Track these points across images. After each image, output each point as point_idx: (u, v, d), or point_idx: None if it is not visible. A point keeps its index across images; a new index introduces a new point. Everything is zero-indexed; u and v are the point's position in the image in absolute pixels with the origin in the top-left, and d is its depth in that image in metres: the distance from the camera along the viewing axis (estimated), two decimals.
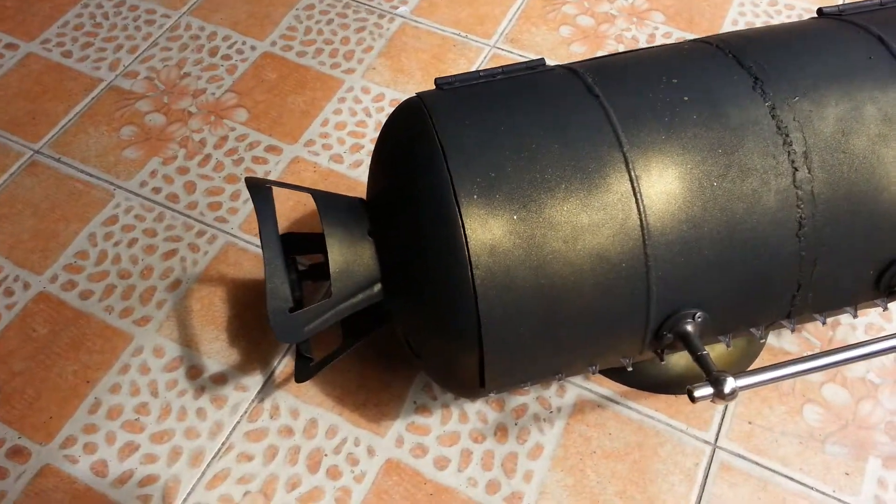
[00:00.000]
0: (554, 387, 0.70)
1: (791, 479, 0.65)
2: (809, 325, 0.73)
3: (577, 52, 0.95)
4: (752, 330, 0.59)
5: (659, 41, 0.96)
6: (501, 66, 0.58)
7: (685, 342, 0.53)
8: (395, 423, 0.68)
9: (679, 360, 0.72)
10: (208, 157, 0.86)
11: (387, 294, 0.55)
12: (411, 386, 0.70)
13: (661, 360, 0.57)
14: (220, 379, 0.71)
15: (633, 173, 0.51)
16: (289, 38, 0.97)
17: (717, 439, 0.67)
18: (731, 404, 0.68)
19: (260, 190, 0.52)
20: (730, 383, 0.50)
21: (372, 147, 0.87)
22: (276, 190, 0.83)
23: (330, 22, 0.98)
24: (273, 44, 0.96)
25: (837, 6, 0.62)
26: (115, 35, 0.98)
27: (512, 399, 0.69)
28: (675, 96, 0.55)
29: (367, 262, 0.53)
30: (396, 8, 1.00)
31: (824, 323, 0.61)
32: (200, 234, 0.80)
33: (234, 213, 0.82)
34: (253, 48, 0.96)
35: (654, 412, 0.68)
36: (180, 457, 0.67)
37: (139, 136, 0.88)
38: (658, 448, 0.66)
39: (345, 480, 0.66)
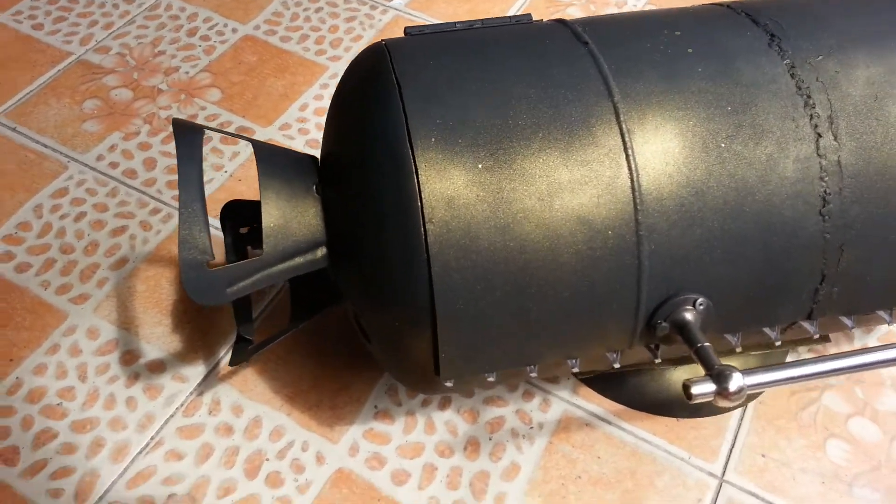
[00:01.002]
0: (537, 399, 0.61)
1: None
2: (837, 337, 0.64)
3: None
4: (766, 330, 0.50)
5: None
6: (482, 19, 0.52)
7: (683, 333, 0.45)
8: (351, 429, 0.60)
9: (682, 375, 0.63)
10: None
11: (333, 261, 0.47)
12: (373, 388, 0.62)
13: (656, 357, 0.49)
14: (158, 367, 0.63)
15: (623, 126, 0.43)
16: (273, 24, 0.91)
17: (724, 472, 0.58)
18: (742, 433, 0.59)
19: (188, 130, 0.45)
20: (736, 379, 0.41)
21: None
22: (247, 174, 0.76)
23: (319, 10, 0.93)
24: (256, 28, 0.91)
25: None
26: (90, 11, 0.93)
27: (487, 410, 0.60)
28: (677, 48, 0.47)
29: (309, 220, 0.45)
30: (390, 0, 0.94)
31: (852, 327, 0.52)
32: (155, 211, 0.73)
33: None
34: (234, 31, 0.90)
35: (651, 436, 0.59)
36: (102, 449, 0.58)
37: (102, 109, 0.82)
38: (655, 477, 0.57)
39: (286, 489, 0.57)
